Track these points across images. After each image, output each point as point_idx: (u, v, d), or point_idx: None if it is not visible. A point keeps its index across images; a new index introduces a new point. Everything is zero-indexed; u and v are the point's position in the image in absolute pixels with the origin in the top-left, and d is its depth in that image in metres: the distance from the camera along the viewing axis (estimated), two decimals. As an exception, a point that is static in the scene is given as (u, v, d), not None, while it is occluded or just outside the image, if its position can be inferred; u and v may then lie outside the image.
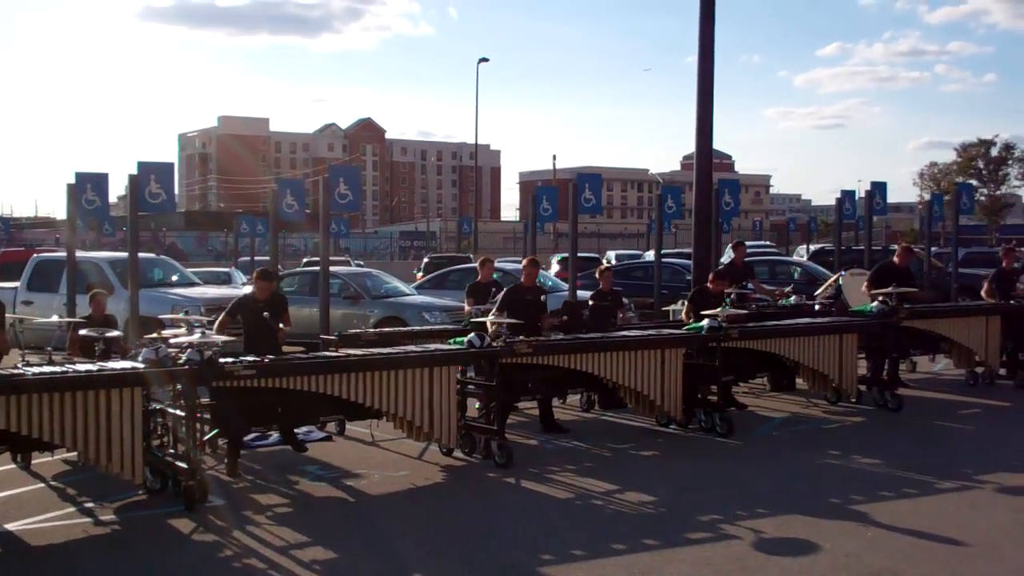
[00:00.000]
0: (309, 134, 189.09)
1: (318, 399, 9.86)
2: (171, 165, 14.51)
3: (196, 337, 9.27)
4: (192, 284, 20.70)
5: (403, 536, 8.05)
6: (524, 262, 13.08)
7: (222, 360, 9.24)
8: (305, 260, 37.08)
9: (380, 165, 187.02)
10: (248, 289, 13.92)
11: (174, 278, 20.84)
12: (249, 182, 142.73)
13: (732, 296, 13.67)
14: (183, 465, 8.88)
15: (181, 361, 8.99)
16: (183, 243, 64.68)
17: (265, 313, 11.04)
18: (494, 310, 12.08)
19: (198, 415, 9.26)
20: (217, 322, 11.09)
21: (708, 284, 13.97)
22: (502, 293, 12.83)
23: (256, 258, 32.89)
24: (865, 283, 14.77)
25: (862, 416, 13.15)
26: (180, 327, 10.74)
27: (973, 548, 7.49)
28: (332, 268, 18.03)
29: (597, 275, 14.67)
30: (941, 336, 14.99)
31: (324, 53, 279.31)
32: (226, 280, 28.87)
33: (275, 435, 11.13)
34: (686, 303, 13.75)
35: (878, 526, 8.09)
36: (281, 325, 11.27)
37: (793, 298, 16.47)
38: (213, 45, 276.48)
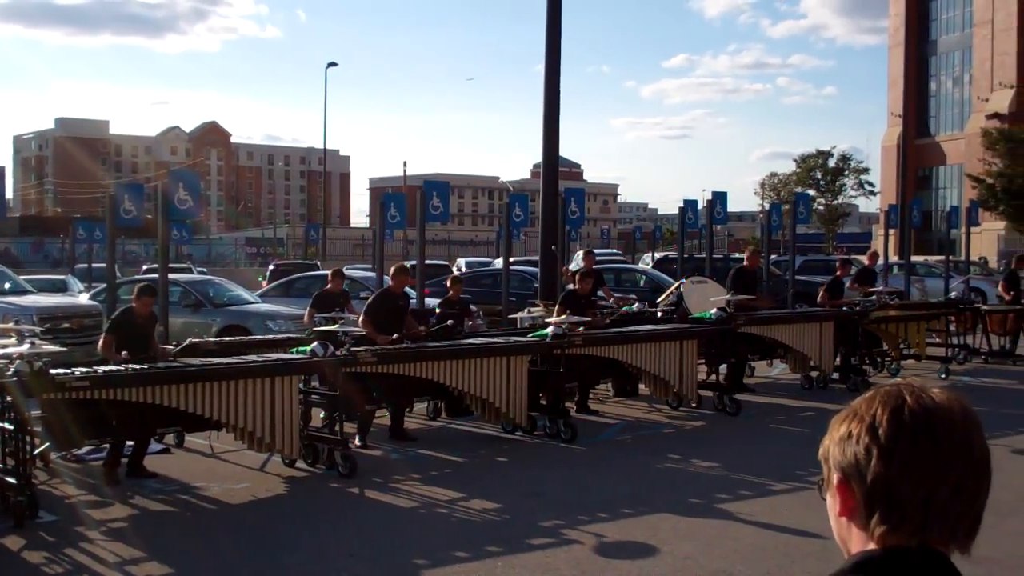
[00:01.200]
0: (152, 137, 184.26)
1: (156, 410, 9.60)
2: (2, 169, 13.92)
3: (25, 348, 8.92)
4: (25, 292, 19.91)
5: (242, 549, 7.90)
6: (394, 268, 12.98)
7: (53, 371, 8.91)
8: (145, 267, 36.04)
9: (225, 169, 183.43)
10: (80, 300, 13.43)
11: (6, 286, 20.01)
12: (88, 186, 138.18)
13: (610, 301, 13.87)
14: (12, 480, 8.54)
15: (10, 372, 8.64)
16: (17, 249, 62.15)
17: (160, 328, 10.76)
18: (363, 314, 12.05)
19: (28, 428, 8.91)
20: (101, 342, 10.80)
21: (575, 286, 14.19)
22: (371, 297, 12.78)
23: (94, 265, 31.88)
24: (727, 289, 15.15)
25: (702, 420, 13.47)
26: (10, 337, 10.30)
27: (806, 548, 7.73)
28: (172, 275, 17.59)
29: (448, 284, 14.68)
30: (778, 342, 15.48)
31: (168, 54, 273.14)
32: (62, 288, 27.93)
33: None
34: (557, 305, 13.88)
35: (716, 527, 8.29)
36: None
37: (636, 305, 16.77)
38: (52, 45, 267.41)
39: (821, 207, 74.11)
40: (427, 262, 19.42)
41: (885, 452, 1.59)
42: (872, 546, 1.60)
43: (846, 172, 75.85)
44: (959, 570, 1.60)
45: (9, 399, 8.71)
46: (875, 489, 1.59)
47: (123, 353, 10.41)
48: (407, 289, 13.34)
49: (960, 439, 1.58)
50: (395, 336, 12.08)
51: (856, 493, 1.62)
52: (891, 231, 29.62)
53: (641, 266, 32.87)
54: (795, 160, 78.14)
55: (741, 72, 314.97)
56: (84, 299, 21.91)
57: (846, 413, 1.68)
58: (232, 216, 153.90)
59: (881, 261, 24.26)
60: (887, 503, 1.58)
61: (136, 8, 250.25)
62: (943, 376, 17.02)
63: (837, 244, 72.03)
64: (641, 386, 14.44)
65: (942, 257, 29.27)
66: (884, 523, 1.58)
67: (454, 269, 34.31)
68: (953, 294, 20.74)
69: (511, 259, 21.22)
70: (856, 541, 1.63)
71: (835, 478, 1.66)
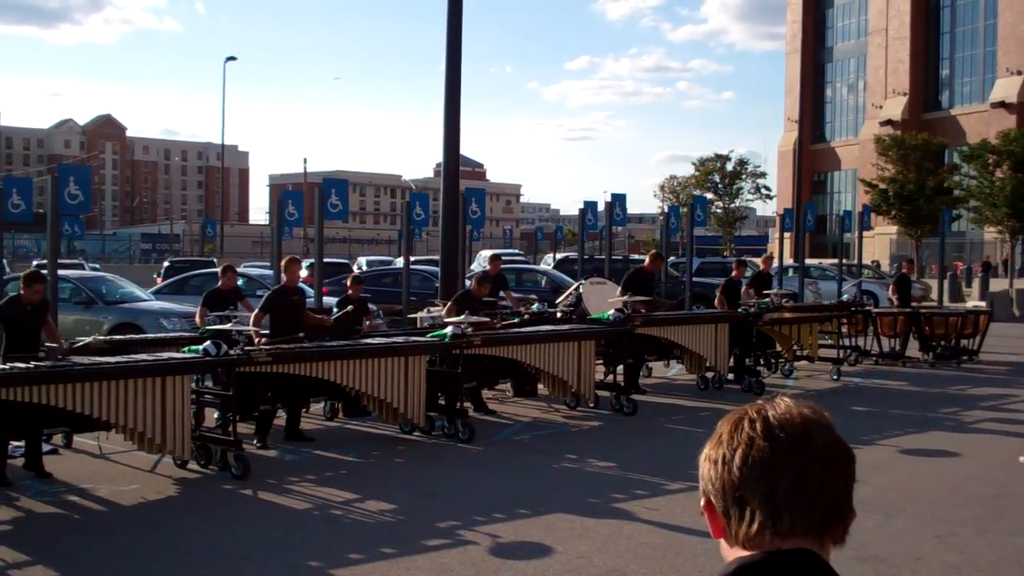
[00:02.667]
0: (44, 130, 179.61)
1: (43, 410, 9.33)
2: None
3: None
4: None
5: (130, 552, 7.72)
6: (285, 261, 12.80)
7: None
8: (35, 263, 35.08)
9: (121, 164, 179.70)
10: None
11: None
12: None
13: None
14: None
15: None
16: (-100, 243, 60.05)
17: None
18: (257, 310, 11.86)
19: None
20: None
21: (471, 288, 14.17)
22: (267, 294, 12.60)
23: (-18, 260, 30.94)
24: (621, 290, 15.26)
25: (599, 420, 13.56)
26: None
27: (699, 547, 7.81)
28: (63, 272, 17.15)
29: (348, 283, 14.55)
30: (674, 343, 15.65)
31: (62, 45, 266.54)
32: (-54, 283, 27.02)
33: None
34: (450, 304, 13.84)
35: (611, 527, 8.35)
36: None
37: (536, 306, 16.83)
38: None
39: (719, 210, 75.24)
40: (327, 260, 19.27)
41: (726, 459, 1.66)
42: (744, 552, 1.63)
43: (743, 176, 77.08)
44: (837, 573, 1.63)
45: None
46: (726, 497, 1.65)
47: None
48: (303, 286, 13.19)
49: (798, 433, 1.63)
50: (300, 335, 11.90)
51: (717, 509, 1.69)
52: (786, 234, 30.24)
53: (542, 267, 33.03)
54: (694, 163, 79.15)
55: (642, 75, 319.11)
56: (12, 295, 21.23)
57: (709, 438, 1.74)
58: (129, 203, 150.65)
59: (776, 264, 24.68)
60: (738, 506, 1.64)
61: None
62: (835, 377, 17.41)
63: (734, 247, 73.23)
64: (540, 386, 14.49)
65: (836, 260, 29.92)
66: (739, 524, 1.64)
67: (355, 268, 34.05)
68: (845, 297, 21.23)
69: (412, 258, 21.13)
70: (732, 557, 1.67)
71: (702, 501, 1.73)
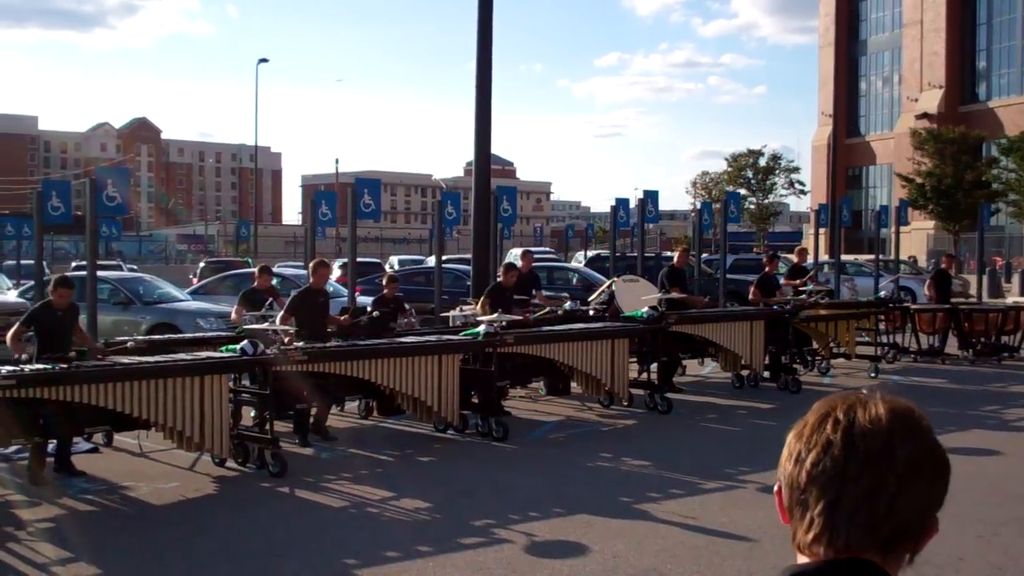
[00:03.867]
0: (81, 133, 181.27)
1: (84, 409, 9.46)
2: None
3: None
4: (-51, 290, 19.51)
5: (171, 549, 7.81)
6: (313, 264, 12.91)
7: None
8: (74, 264, 35.50)
9: (156, 166, 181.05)
10: (8, 297, 13.15)
11: (-71, 283, 19.60)
12: (16, 182, 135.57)
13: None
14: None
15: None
16: (-58, 246, 60.80)
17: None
18: (283, 311, 11.95)
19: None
20: (11, 331, 10.50)
21: (501, 280, 14.21)
22: (292, 296, 12.68)
23: (22, 262, 31.28)
24: (659, 288, 15.26)
25: (633, 419, 13.55)
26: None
27: (735, 546, 7.82)
28: (102, 273, 17.33)
29: (384, 282, 14.61)
30: (709, 341, 15.61)
31: (98, 50, 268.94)
32: (-11, 285, 27.36)
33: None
34: (483, 298, 13.88)
35: (646, 527, 8.35)
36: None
37: (568, 304, 16.83)
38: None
39: (752, 206, 74.87)
40: (359, 260, 19.33)
41: (800, 457, 1.60)
42: (804, 559, 1.58)
43: (777, 171, 76.67)
44: None
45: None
46: (792, 494, 1.60)
47: (29, 351, 10.23)
48: (337, 285, 13.27)
49: (879, 445, 1.55)
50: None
51: (784, 501, 1.63)
52: (821, 230, 30.05)
53: (574, 264, 33.00)
54: (726, 159, 78.77)
55: (673, 71, 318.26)
56: (12, 296, 21.50)
57: (801, 420, 1.68)
58: (177, 210, 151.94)
59: (811, 260, 24.57)
60: (801, 507, 1.58)
61: (64, 2, 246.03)
62: (873, 375, 17.30)
63: (767, 243, 72.86)
64: (573, 384, 14.49)
65: (872, 256, 29.71)
66: (798, 526, 1.58)
67: (387, 267, 34.19)
68: (883, 293, 21.06)
69: (444, 257, 21.20)
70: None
71: (776, 485, 1.66)
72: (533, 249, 25.07)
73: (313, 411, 11.99)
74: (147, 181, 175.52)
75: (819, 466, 1.57)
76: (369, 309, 14.18)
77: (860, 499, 1.54)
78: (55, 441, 10.11)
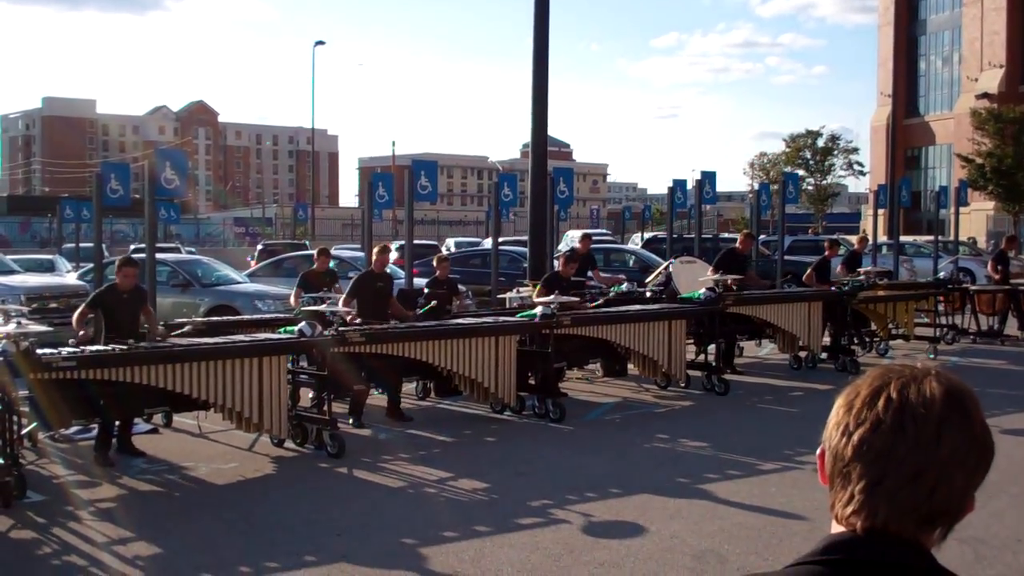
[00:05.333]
0: (139, 116, 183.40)
1: (144, 390, 9.58)
2: (-13, 148, 13.83)
3: (12, 328, 8.87)
4: (11, 272, 19.89)
5: (230, 529, 7.89)
6: (375, 249, 12.99)
7: (40, 351, 8.89)
8: (133, 247, 35.96)
9: (213, 149, 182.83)
10: (68, 280, 13.33)
11: (-7, 266, 19.97)
12: (75, 166, 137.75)
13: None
14: (-1, 460, 8.52)
15: (-5, 353, 8.61)
16: (6, 229, 61.83)
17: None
18: (345, 294, 12.04)
19: (16, 408, 8.90)
20: (76, 313, 10.64)
21: (559, 269, 14.20)
22: (354, 279, 12.77)
23: (81, 244, 31.76)
24: (713, 269, 15.18)
25: (691, 400, 13.48)
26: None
27: (793, 527, 7.76)
28: (161, 255, 17.54)
29: (435, 263, 14.66)
30: (766, 322, 15.48)
31: (155, 32, 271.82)
32: (49, 268, 27.83)
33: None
34: (539, 287, 13.88)
35: (703, 507, 8.31)
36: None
37: (625, 285, 16.77)
38: (37, 21, 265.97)
39: (810, 187, 74.03)
40: (416, 242, 19.38)
41: (848, 429, 1.59)
42: (840, 528, 1.59)
43: (835, 152, 75.71)
44: (936, 560, 1.57)
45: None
46: (835, 464, 1.60)
47: (89, 331, 10.36)
48: (395, 268, 13.33)
49: (929, 430, 1.53)
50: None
51: (826, 467, 1.64)
52: (880, 211, 29.70)
53: (630, 246, 32.87)
54: (784, 140, 77.91)
55: (731, 51, 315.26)
56: (72, 279, 21.85)
57: (852, 385, 1.66)
58: (221, 197, 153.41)
59: (871, 242, 24.28)
60: (842, 479, 1.59)
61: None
62: (932, 356, 17.07)
63: (825, 224, 72.07)
64: (630, 366, 14.45)
65: (931, 237, 29.33)
66: (838, 496, 1.59)
67: (443, 249, 34.25)
68: (942, 274, 20.80)
69: (500, 239, 21.22)
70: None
71: (819, 449, 1.66)
72: (589, 231, 25.02)
73: (375, 395, 12.07)
74: (204, 164, 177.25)
75: (866, 443, 1.56)
76: (424, 292, 14.23)
77: (903, 482, 1.53)
78: (117, 422, 10.25)
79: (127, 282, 10.65)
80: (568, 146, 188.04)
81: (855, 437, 1.57)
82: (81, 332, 10.29)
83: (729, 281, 14.65)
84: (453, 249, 35.66)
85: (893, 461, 1.54)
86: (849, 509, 1.57)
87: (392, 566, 6.91)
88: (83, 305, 10.76)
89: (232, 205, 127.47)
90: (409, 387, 13.47)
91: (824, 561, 1.55)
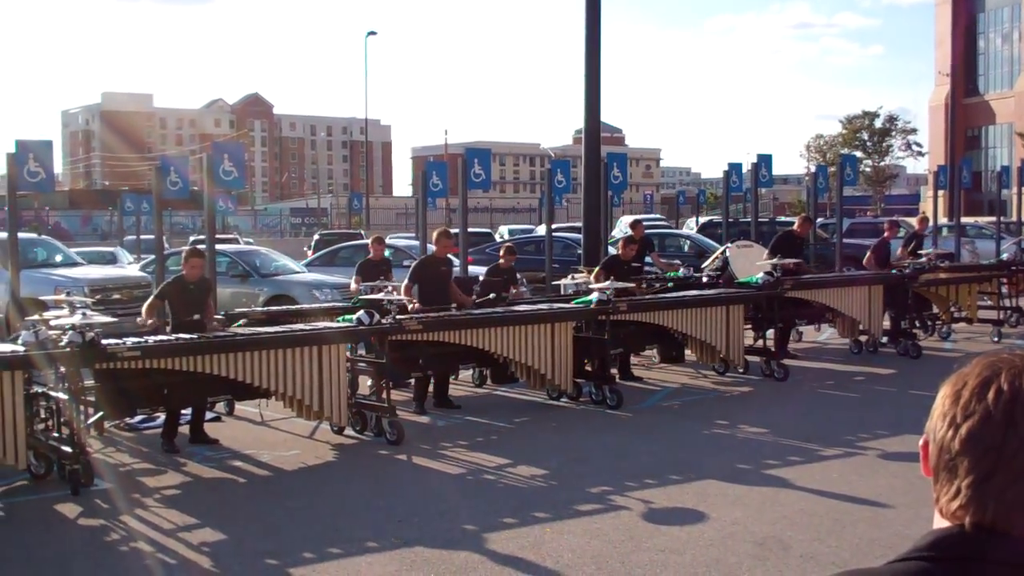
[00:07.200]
0: (195, 110, 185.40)
1: (206, 379, 9.71)
2: (50, 143, 14.03)
3: (78, 319, 9.03)
4: (75, 264, 20.19)
5: (293, 516, 7.97)
6: (436, 233, 13.03)
7: (105, 341, 9.04)
8: (192, 239, 36.40)
9: (269, 141, 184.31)
10: (130, 271, 13.50)
11: (58, 258, 20.29)
12: (134, 159, 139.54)
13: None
14: (67, 449, 8.68)
15: (63, 343, 8.78)
16: (67, 222, 62.87)
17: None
18: (406, 280, 12.11)
19: (82, 397, 9.07)
20: (146, 304, 10.82)
21: (618, 252, 14.18)
22: (413, 264, 12.83)
23: (142, 237, 32.21)
24: (769, 253, 15.06)
25: (749, 386, 13.40)
26: (63, 308, 10.44)
27: (857, 514, 7.68)
28: (220, 246, 17.72)
29: (501, 252, 14.65)
30: (826, 306, 15.32)
31: (210, 24, 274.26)
32: (111, 260, 28.27)
33: (162, 417, 10.91)
34: (598, 269, 13.86)
35: (765, 493, 8.26)
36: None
37: (681, 271, 16.69)
38: (96, 14, 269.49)
39: (868, 169, 73.14)
40: (469, 230, 19.42)
41: (955, 421, 1.53)
42: (945, 523, 1.54)
43: (893, 133, 74.78)
44: None
45: (63, 369, 8.86)
46: (940, 457, 1.54)
47: (157, 320, 10.52)
48: (449, 256, 13.36)
49: None
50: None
51: (929, 459, 1.58)
52: (940, 192, 29.20)
53: (686, 231, 32.70)
54: (841, 121, 77.07)
55: (785, 32, 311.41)
56: (133, 270, 22.17)
57: (958, 375, 1.60)
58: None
59: (931, 223, 23.94)
60: (948, 473, 1.53)
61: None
62: (995, 339, 16.82)
63: (884, 206, 71.15)
64: (687, 352, 14.38)
65: (993, 218, 28.82)
66: (943, 490, 1.53)
67: (497, 237, 34.31)
68: (1005, 256, 20.43)
69: (554, 226, 21.19)
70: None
71: (922, 440, 1.60)
72: (642, 216, 24.91)
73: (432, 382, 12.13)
74: (260, 155, 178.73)
75: (975, 436, 1.50)
76: (481, 278, 14.26)
77: (1013, 478, 1.48)
78: (188, 410, 10.41)
79: (194, 272, 10.79)
80: (620, 131, 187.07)
81: (963, 430, 1.51)
82: (150, 321, 10.46)
83: (791, 264, 14.53)
84: (507, 236, 35.67)
85: (1004, 456, 1.48)
86: (955, 504, 1.51)
87: (453, 552, 6.94)
88: (152, 296, 10.94)
89: (292, 192, 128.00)
90: (466, 374, 13.52)
91: (931, 557, 1.50)
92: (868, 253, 17.28)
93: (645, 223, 20.83)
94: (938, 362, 14.78)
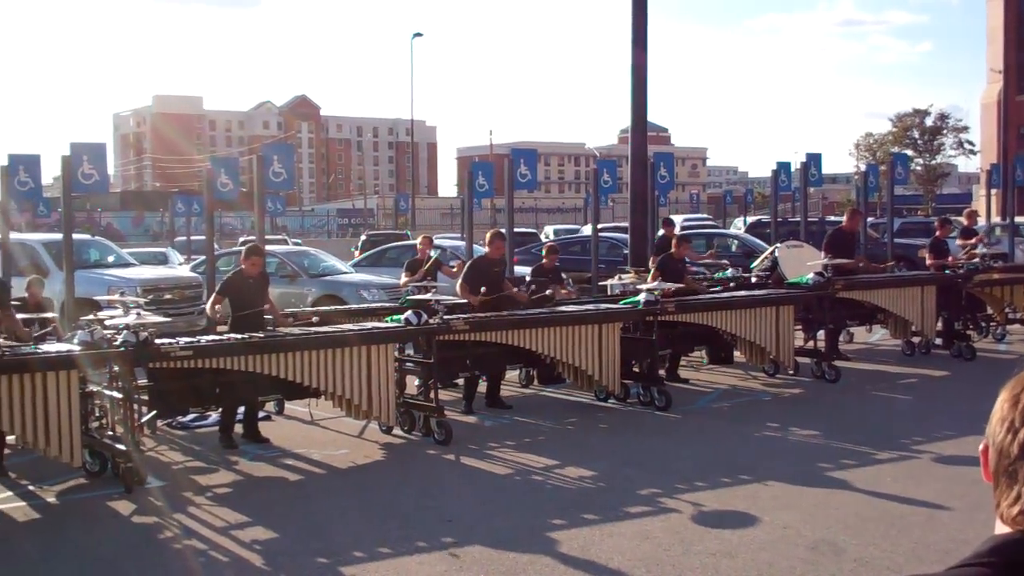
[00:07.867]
0: (244, 112, 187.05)
1: (257, 379, 9.78)
2: (103, 145, 14.23)
3: (131, 319, 9.13)
4: (128, 265, 20.41)
5: (343, 514, 8.01)
6: (489, 235, 13.04)
7: (158, 341, 9.13)
8: (242, 239, 36.71)
9: (316, 142, 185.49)
10: (181, 272, 13.63)
11: (110, 259, 20.52)
12: (184, 161, 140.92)
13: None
14: (121, 447, 8.78)
15: (117, 343, 8.88)
16: (119, 224, 63.64)
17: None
18: (460, 280, 12.14)
19: (135, 397, 9.17)
20: (209, 302, 10.97)
21: (672, 250, 14.12)
22: (467, 264, 12.85)
23: (193, 238, 32.54)
24: (823, 252, 14.91)
25: (800, 388, 13.27)
26: (116, 308, 10.56)
27: (911, 518, 7.58)
28: (269, 247, 17.85)
29: (544, 252, 14.62)
30: (877, 307, 15.14)
31: (257, 28, 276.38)
32: (163, 260, 28.56)
33: (214, 415, 11.00)
34: (654, 270, 13.81)
35: (817, 496, 8.18)
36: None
37: (729, 271, 16.57)
38: (146, 17, 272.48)
39: (919, 167, 72.41)
40: (515, 230, 19.40)
41: (1014, 426, 1.52)
42: (1006, 528, 1.52)
43: (944, 131, 74.02)
44: None
45: (117, 368, 8.97)
46: (999, 462, 1.53)
47: (219, 310, 10.63)
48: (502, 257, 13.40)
49: None
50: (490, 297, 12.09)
51: (989, 464, 1.56)
52: (993, 191, 28.77)
53: (734, 231, 32.49)
54: (891, 120, 76.38)
55: (832, 30, 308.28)
56: (184, 271, 22.38)
57: (1017, 379, 1.59)
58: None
59: (983, 222, 23.63)
60: (1008, 478, 1.52)
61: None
62: (1050, 340, 16.55)
63: (935, 205, 70.33)
64: (736, 353, 14.27)
65: (1047, 217, 28.35)
66: (1003, 496, 1.52)
67: (542, 237, 34.29)
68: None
69: (600, 225, 21.13)
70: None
71: (982, 445, 1.59)
72: (686, 216, 24.76)
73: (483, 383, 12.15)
74: (307, 157, 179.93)
75: None
76: (527, 279, 14.24)
77: None
78: (242, 409, 10.50)
79: (254, 269, 10.90)
80: (666, 130, 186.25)
81: (1022, 434, 1.50)
82: (217, 316, 10.59)
83: (852, 264, 14.39)
84: (552, 237, 35.63)
85: None
86: (1016, 509, 1.50)
87: (502, 552, 6.93)
88: (215, 293, 11.05)
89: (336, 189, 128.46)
90: (512, 375, 13.51)
91: (991, 563, 1.48)
92: (926, 253, 16.96)
93: (693, 222, 20.73)
94: (992, 364, 14.57)
